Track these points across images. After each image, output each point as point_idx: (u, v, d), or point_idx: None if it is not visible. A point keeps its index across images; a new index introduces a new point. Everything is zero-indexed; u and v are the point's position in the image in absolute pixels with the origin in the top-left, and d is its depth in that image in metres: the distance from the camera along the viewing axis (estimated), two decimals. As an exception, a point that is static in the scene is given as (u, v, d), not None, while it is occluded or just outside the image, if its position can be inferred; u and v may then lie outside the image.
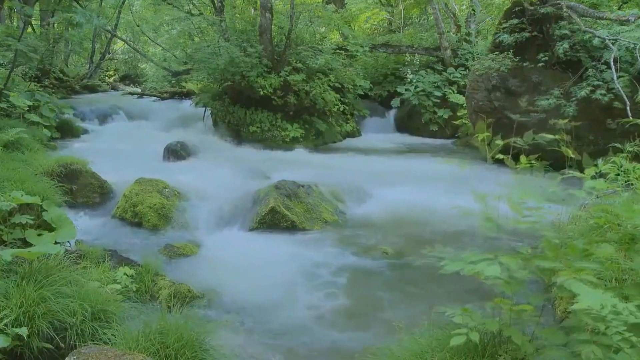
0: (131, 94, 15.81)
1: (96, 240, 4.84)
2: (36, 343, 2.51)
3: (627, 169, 3.34)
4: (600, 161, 3.04)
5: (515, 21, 8.56)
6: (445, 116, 12.14)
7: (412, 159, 9.40)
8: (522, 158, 2.33)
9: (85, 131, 10.54)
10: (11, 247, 3.36)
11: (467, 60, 12.79)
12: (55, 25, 15.95)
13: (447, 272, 2.06)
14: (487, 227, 2.18)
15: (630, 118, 4.07)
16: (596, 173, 2.71)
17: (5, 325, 2.43)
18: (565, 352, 1.93)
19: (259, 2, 11.13)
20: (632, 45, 6.96)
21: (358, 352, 3.15)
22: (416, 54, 13.84)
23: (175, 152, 8.66)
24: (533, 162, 2.31)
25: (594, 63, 7.70)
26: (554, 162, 2.47)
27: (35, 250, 3.03)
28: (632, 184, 3.44)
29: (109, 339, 2.59)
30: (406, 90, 12.56)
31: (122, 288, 3.41)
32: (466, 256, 2.11)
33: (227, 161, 8.47)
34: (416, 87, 12.45)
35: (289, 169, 7.24)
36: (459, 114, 11.53)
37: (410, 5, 17.01)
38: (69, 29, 15.70)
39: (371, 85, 12.77)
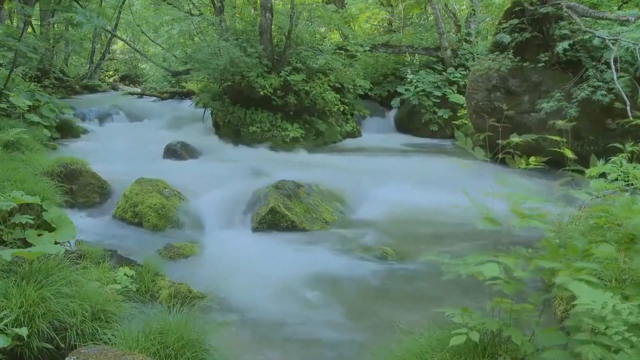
0: (131, 94, 15.84)
1: (96, 240, 4.84)
2: (36, 343, 2.51)
3: (627, 169, 3.34)
4: (601, 161, 3.04)
5: (515, 21, 8.56)
6: (445, 116, 12.14)
7: (412, 159, 9.40)
8: (524, 158, 2.33)
9: (85, 131, 10.54)
10: (11, 247, 3.35)
11: (467, 60, 12.78)
12: (55, 25, 15.94)
13: (450, 277, 2.06)
14: (486, 225, 2.18)
15: (631, 118, 4.07)
16: (596, 173, 2.71)
17: (5, 325, 2.43)
18: (565, 352, 1.93)
19: (259, 2, 11.13)
20: (632, 46, 6.95)
21: (358, 352, 3.15)
22: (416, 54, 13.84)
23: (175, 152, 8.66)
24: (534, 162, 2.31)
25: (594, 63, 7.70)
26: (555, 162, 2.47)
27: (35, 250, 3.03)
28: (632, 184, 3.44)
29: (109, 339, 2.58)
30: (406, 90, 12.56)
31: (122, 288, 3.41)
32: (466, 257, 2.11)
33: (227, 161, 8.48)
34: (416, 87, 12.45)
35: (289, 169, 7.24)
36: (459, 114, 11.53)
37: (410, 5, 17.02)
38: (69, 29, 15.69)
39: (371, 85, 12.78)
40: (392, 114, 13.14)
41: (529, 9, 8.52)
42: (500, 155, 2.38)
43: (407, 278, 4.35)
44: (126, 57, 23.76)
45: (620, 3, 10.45)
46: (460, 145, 2.37)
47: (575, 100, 7.45)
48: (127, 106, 13.06)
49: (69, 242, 4.12)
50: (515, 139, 2.31)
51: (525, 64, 8.39)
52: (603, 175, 2.99)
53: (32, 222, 3.72)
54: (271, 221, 5.52)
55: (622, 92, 6.79)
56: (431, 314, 2.51)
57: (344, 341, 3.35)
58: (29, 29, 13.18)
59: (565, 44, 7.72)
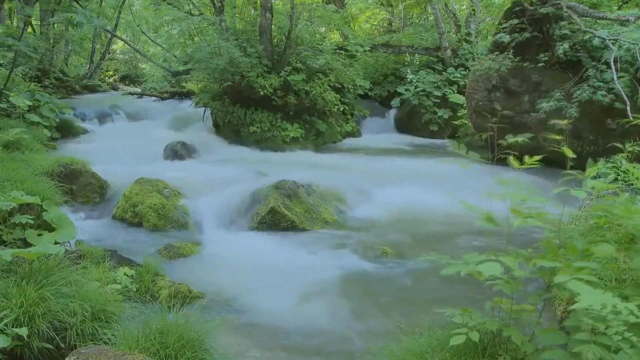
0: (131, 94, 15.83)
1: (96, 240, 4.84)
2: (36, 343, 2.51)
3: (627, 169, 3.34)
4: (601, 161, 3.04)
5: (515, 21, 8.56)
6: (445, 116, 12.15)
7: (412, 159, 9.40)
8: (525, 158, 2.32)
9: (85, 131, 10.54)
10: (11, 247, 3.36)
11: (467, 60, 12.79)
12: (55, 25, 15.94)
13: (448, 274, 2.06)
14: (485, 225, 2.17)
15: (631, 118, 4.07)
16: (596, 173, 2.70)
17: (6, 325, 2.43)
18: (565, 352, 1.93)
19: (259, 2, 11.14)
20: (632, 46, 6.96)
21: (358, 352, 3.15)
22: (416, 54, 13.84)
23: (176, 152, 8.66)
24: (530, 162, 2.30)
25: (594, 63, 7.70)
26: (556, 162, 2.47)
27: (35, 250, 3.03)
28: (632, 184, 3.44)
29: (109, 339, 2.59)
30: (406, 90, 12.56)
31: (122, 288, 3.41)
32: (466, 256, 2.11)
33: (227, 161, 8.48)
34: (416, 87, 12.45)
35: (289, 169, 7.24)
36: (459, 114, 11.54)
37: (410, 5, 17.02)
38: (69, 29, 15.69)
39: (371, 85, 12.78)
40: (392, 114, 13.15)
41: (529, 9, 8.53)
42: (499, 155, 2.38)
43: (407, 278, 4.34)
44: (126, 57, 23.74)
45: (620, 3, 10.46)
46: (454, 150, 2.37)
47: (575, 100, 7.45)
48: (127, 106, 13.05)
49: (69, 242, 4.12)
50: (512, 139, 2.30)
51: (525, 64, 8.40)
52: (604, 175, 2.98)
53: (32, 222, 3.72)
54: (271, 221, 5.52)
55: (622, 92, 6.80)
56: (431, 313, 2.51)
57: (344, 340, 3.35)
58: (29, 29, 13.17)
59: (565, 46, 7.72)
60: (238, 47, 10.06)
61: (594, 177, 2.37)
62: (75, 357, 2.29)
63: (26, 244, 3.58)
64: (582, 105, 7.40)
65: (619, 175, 3.59)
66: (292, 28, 10.42)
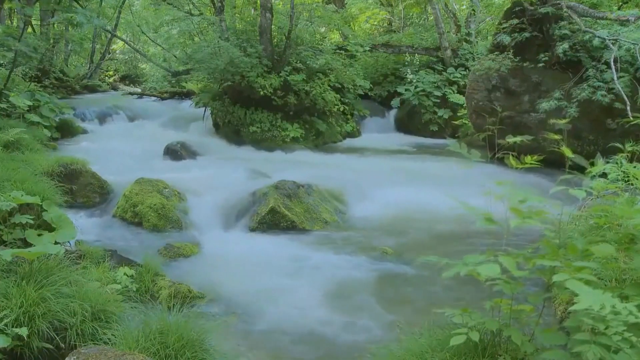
0: (131, 94, 15.86)
1: (96, 240, 4.84)
2: (36, 343, 2.51)
3: (627, 169, 3.34)
4: (601, 161, 3.03)
5: (515, 21, 8.56)
6: (445, 116, 12.15)
7: (412, 159, 9.40)
8: (525, 157, 2.32)
9: (85, 131, 10.55)
10: (11, 247, 3.35)
11: (467, 60, 12.79)
12: (55, 25, 15.94)
13: (448, 276, 2.06)
14: (485, 225, 2.17)
15: (631, 118, 4.07)
16: (597, 173, 2.70)
17: (6, 325, 2.43)
18: (565, 352, 1.93)
19: (259, 2, 11.14)
20: (632, 46, 6.96)
21: (358, 352, 3.15)
22: (416, 54, 13.85)
23: (176, 152, 8.66)
24: (530, 161, 2.30)
25: (594, 63, 7.70)
26: (556, 162, 2.46)
27: (35, 250, 3.03)
28: (631, 184, 3.44)
29: (109, 339, 2.58)
30: (406, 90, 12.57)
31: (122, 288, 3.41)
32: (465, 257, 2.11)
33: (227, 161, 8.48)
34: (416, 87, 12.46)
35: (289, 169, 7.24)
36: (459, 114, 11.54)
37: (410, 5, 17.02)
38: (69, 29, 15.70)
39: (371, 85, 12.78)
40: (392, 114, 13.15)
41: (529, 9, 8.52)
42: (499, 155, 2.37)
43: (406, 278, 4.35)
44: (126, 57, 23.75)
45: (620, 3, 10.46)
46: (454, 149, 2.37)
47: (575, 100, 7.45)
48: (127, 106, 13.06)
49: (69, 242, 4.12)
50: (511, 139, 2.30)
51: (525, 64, 8.39)
52: (603, 175, 2.99)
53: (32, 222, 3.72)
54: (271, 221, 5.52)
55: (622, 92, 6.79)
56: (431, 313, 2.51)
57: (344, 340, 3.35)
58: (29, 29, 13.17)
59: (565, 46, 7.72)
60: (238, 47, 10.06)
61: (599, 176, 2.37)
62: (75, 357, 2.29)
63: (26, 244, 3.58)
64: (582, 105, 7.39)
65: (618, 175, 3.58)
66: (292, 28, 10.42)
